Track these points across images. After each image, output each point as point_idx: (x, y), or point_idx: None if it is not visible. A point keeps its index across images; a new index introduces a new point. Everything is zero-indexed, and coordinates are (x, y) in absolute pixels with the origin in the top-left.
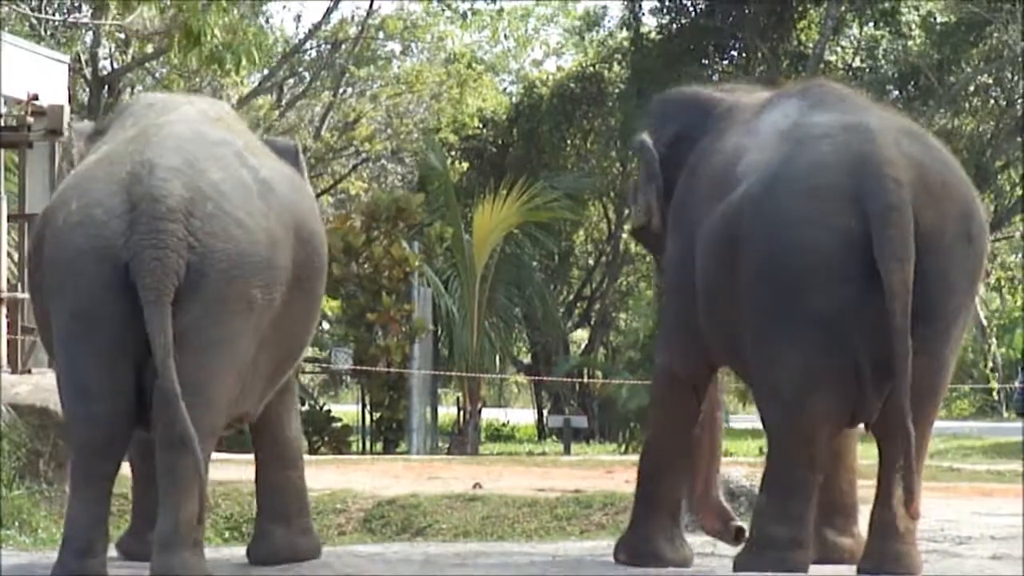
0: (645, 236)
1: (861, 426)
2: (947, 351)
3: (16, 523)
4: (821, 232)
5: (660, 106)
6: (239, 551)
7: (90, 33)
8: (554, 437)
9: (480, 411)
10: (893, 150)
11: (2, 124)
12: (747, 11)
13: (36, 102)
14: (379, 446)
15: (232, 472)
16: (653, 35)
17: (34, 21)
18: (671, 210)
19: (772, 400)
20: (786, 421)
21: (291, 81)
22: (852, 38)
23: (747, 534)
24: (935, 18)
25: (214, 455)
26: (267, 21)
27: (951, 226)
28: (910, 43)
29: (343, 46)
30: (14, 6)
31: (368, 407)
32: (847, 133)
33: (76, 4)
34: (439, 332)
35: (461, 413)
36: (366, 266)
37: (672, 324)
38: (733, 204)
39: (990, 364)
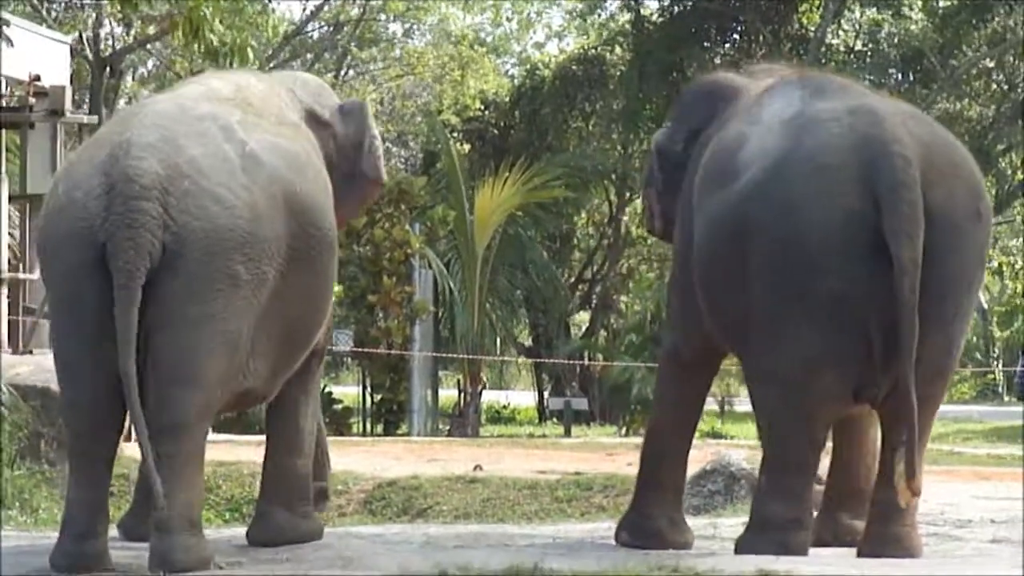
0: (655, 234)
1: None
2: (958, 330)
3: (17, 504)
4: (831, 211)
5: (683, 98)
6: (239, 531)
7: (92, 13)
8: (555, 419)
9: (481, 393)
10: (900, 130)
11: (4, 104)
12: None
13: (38, 83)
14: (380, 428)
15: (232, 453)
16: (654, 17)
17: (36, 2)
18: (679, 202)
19: (775, 380)
20: (787, 401)
21: (295, 63)
22: (854, 21)
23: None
24: (937, 1)
25: (215, 436)
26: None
27: (961, 204)
28: (912, 26)
29: (345, 28)
30: None
31: (369, 389)
32: (852, 116)
33: None
34: (440, 314)
35: (462, 395)
36: (367, 248)
37: (677, 308)
38: (738, 193)
39: (992, 349)
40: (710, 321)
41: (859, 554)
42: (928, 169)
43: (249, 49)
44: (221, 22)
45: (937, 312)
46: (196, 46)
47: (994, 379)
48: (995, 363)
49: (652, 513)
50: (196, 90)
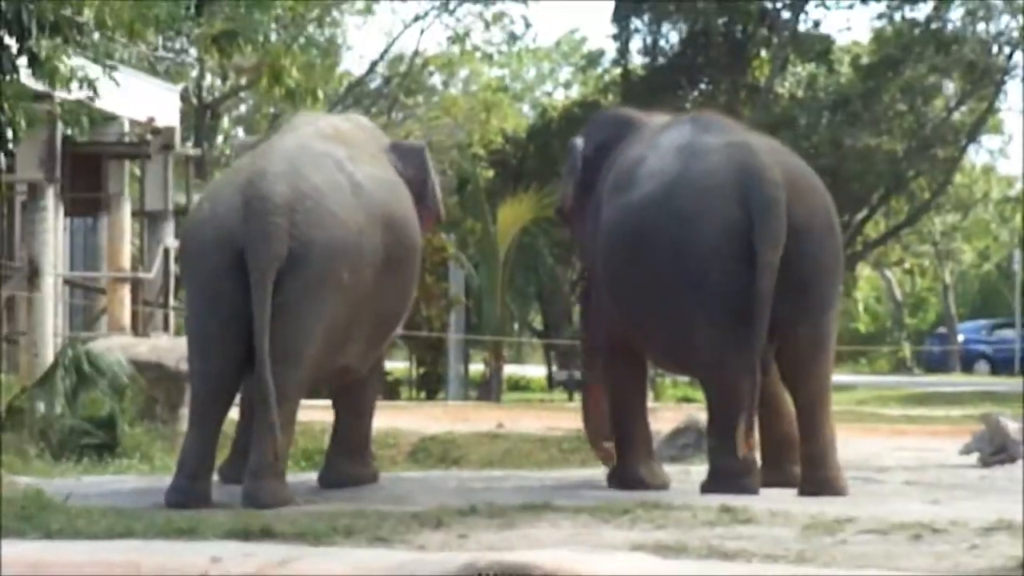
0: (562, 216)
1: None
2: (824, 319)
3: (137, 454)
4: (715, 222)
5: (595, 118)
6: (312, 476)
7: (197, 68)
8: (561, 388)
9: (502, 367)
10: (770, 160)
11: (127, 141)
12: (712, 53)
13: (154, 123)
14: (423, 394)
15: (307, 415)
16: (639, 71)
17: (152, 59)
18: (592, 206)
19: (697, 362)
20: (713, 379)
21: (357, 107)
22: (795, 74)
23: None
24: (861, 58)
25: None
26: (338, 57)
27: (819, 219)
28: (841, 78)
29: (395, 79)
30: (136, 47)
31: (415, 363)
32: (732, 148)
33: (185, 47)
34: (470, 305)
35: (487, 369)
36: None
37: (597, 304)
38: (636, 202)
39: (903, 332)
40: (615, 308)
41: (800, 494)
42: (792, 192)
43: (319, 91)
44: (297, 71)
45: (803, 304)
46: (277, 89)
47: (906, 356)
48: (906, 344)
49: (632, 464)
50: (309, 131)
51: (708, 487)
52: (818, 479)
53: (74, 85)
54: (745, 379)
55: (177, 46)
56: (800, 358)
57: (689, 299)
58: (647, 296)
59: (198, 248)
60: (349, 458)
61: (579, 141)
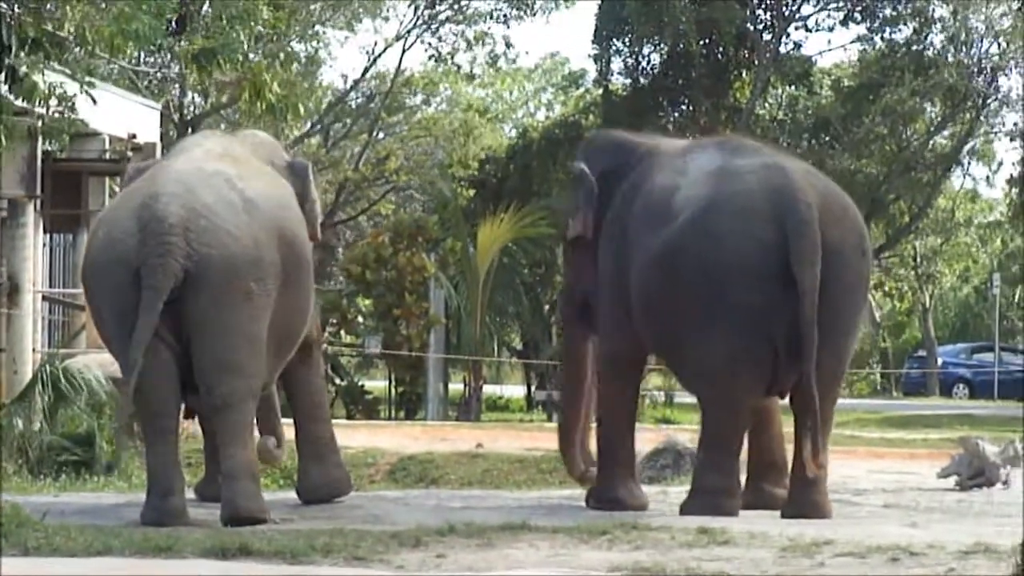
0: (578, 244)
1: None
2: (846, 342)
3: (115, 471)
4: (748, 243)
5: (590, 146)
6: (292, 495)
7: (177, 85)
8: (540, 408)
9: (481, 387)
10: (803, 182)
11: (107, 157)
12: (694, 74)
13: (134, 140)
14: (402, 414)
15: (287, 433)
16: (620, 92)
17: (132, 75)
18: (604, 228)
19: (706, 376)
20: (718, 393)
21: (336, 125)
22: (776, 96)
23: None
24: (842, 81)
25: None
26: (319, 74)
27: (850, 242)
28: (822, 100)
29: (377, 97)
30: (117, 63)
31: (394, 383)
32: (766, 170)
33: (167, 62)
34: (450, 324)
35: (467, 388)
36: (393, 272)
37: (611, 318)
38: (675, 231)
39: (881, 355)
40: (645, 331)
41: (783, 515)
42: (824, 214)
43: (300, 105)
44: (279, 86)
45: (830, 327)
46: (259, 104)
47: (884, 379)
48: (878, 366)
49: (613, 484)
50: (199, 152)
51: (688, 506)
52: (806, 501)
53: (52, 102)
54: (749, 399)
55: (158, 62)
56: (819, 381)
57: (714, 314)
58: (680, 317)
59: (101, 271)
60: (319, 462)
61: (586, 168)
